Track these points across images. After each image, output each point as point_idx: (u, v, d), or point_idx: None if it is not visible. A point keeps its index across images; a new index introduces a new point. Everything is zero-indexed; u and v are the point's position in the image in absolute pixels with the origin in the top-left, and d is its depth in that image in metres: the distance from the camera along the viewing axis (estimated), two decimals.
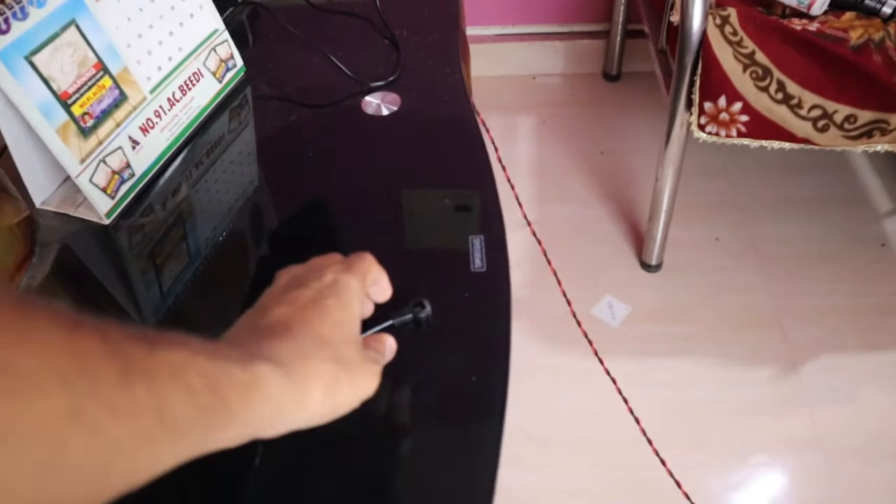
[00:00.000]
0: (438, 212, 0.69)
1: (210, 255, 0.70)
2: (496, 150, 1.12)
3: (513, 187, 1.11)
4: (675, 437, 1.22)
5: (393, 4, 0.95)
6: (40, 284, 0.67)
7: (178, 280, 0.67)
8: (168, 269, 0.68)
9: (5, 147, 0.66)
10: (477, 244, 0.65)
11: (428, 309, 0.48)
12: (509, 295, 0.62)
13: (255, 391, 0.33)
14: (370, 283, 0.45)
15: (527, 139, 1.75)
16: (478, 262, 0.63)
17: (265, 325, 0.39)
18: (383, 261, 0.65)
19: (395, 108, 0.79)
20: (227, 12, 0.93)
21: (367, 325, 0.46)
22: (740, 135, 1.18)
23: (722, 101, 1.15)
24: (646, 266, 1.48)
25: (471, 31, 1.78)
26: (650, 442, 0.99)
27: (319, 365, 0.37)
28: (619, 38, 1.79)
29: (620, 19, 1.75)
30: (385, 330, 0.48)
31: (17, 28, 0.60)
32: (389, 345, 0.47)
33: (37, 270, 0.68)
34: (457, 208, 0.69)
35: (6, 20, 0.59)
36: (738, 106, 1.14)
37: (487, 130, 1.25)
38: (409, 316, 0.48)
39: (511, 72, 1.88)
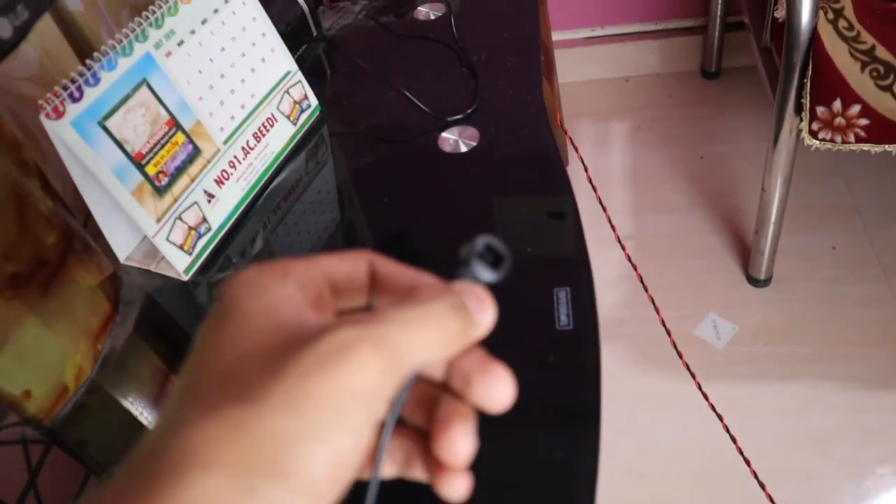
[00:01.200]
0: (520, 261, 0.64)
1: None
2: (586, 169, 1.06)
3: (605, 209, 1.05)
4: (789, 471, 1.12)
5: (470, 26, 0.91)
6: (124, 345, 0.67)
7: None
8: None
9: (90, 213, 0.67)
10: (563, 298, 0.60)
11: (506, 260, 0.28)
12: (599, 357, 0.56)
13: None
14: (337, 272, 0.27)
15: (621, 146, 1.67)
16: (563, 318, 0.59)
17: None
18: None
19: (474, 144, 0.75)
20: (301, 50, 0.91)
21: None
22: (859, 140, 1.07)
23: (837, 105, 1.04)
24: (753, 280, 1.37)
25: (558, 35, 1.71)
26: (761, 484, 0.91)
27: (184, 437, 0.20)
28: (717, 33, 1.68)
29: (718, 12, 1.63)
30: None
31: (90, 94, 0.60)
32: (475, 294, 0.26)
33: (120, 330, 0.68)
34: (540, 257, 0.64)
35: (79, 88, 0.59)
36: (856, 109, 1.03)
37: (576, 148, 1.19)
38: (490, 276, 0.28)
39: (603, 75, 1.80)
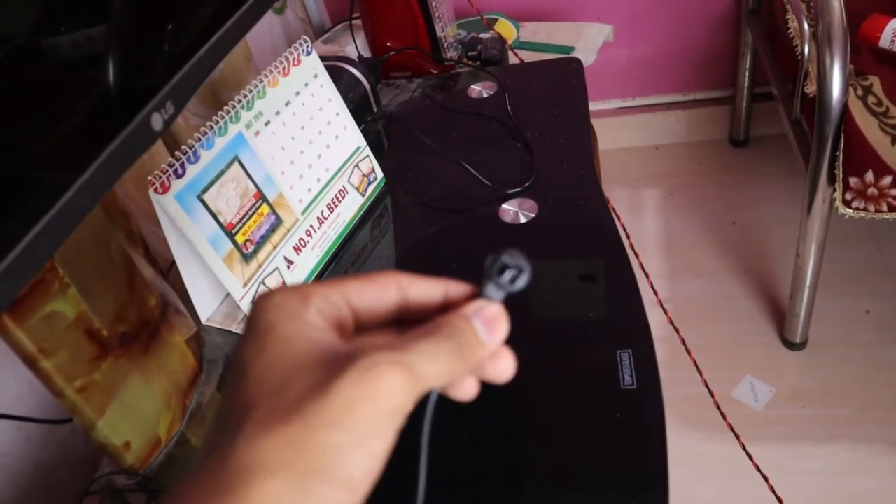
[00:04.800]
0: (583, 326, 0.69)
1: None
2: (628, 236, 1.11)
3: (647, 275, 1.09)
4: None
5: (521, 103, 0.98)
6: (209, 401, 0.71)
7: None
8: None
9: (173, 263, 0.72)
10: (626, 359, 0.64)
11: (526, 273, 0.31)
12: (663, 416, 0.60)
13: None
14: (366, 302, 0.30)
15: (654, 212, 1.72)
16: (627, 378, 0.63)
17: None
18: (523, 373, 0.65)
19: (533, 216, 0.80)
20: (363, 125, 0.98)
21: None
22: (892, 209, 1.11)
23: (869, 176, 1.09)
24: (789, 344, 1.40)
25: (592, 105, 1.79)
26: None
27: (245, 450, 0.24)
28: (745, 104, 1.74)
29: (746, 84, 1.70)
30: None
31: (191, 171, 0.66)
32: (484, 316, 0.30)
33: (205, 387, 0.73)
34: (601, 322, 0.68)
35: (182, 165, 0.65)
36: (888, 180, 1.08)
37: (618, 217, 1.24)
38: (503, 294, 0.31)
39: (634, 143, 1.87)
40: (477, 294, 0.31)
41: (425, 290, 0.31)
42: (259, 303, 0.28)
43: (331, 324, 0.28)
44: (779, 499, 0.98)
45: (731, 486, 1.21)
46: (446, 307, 0.30)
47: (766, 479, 0.99)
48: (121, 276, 0.61)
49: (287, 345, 0.26)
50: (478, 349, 0.29)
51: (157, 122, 0.44)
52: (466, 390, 0.30)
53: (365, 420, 0.25)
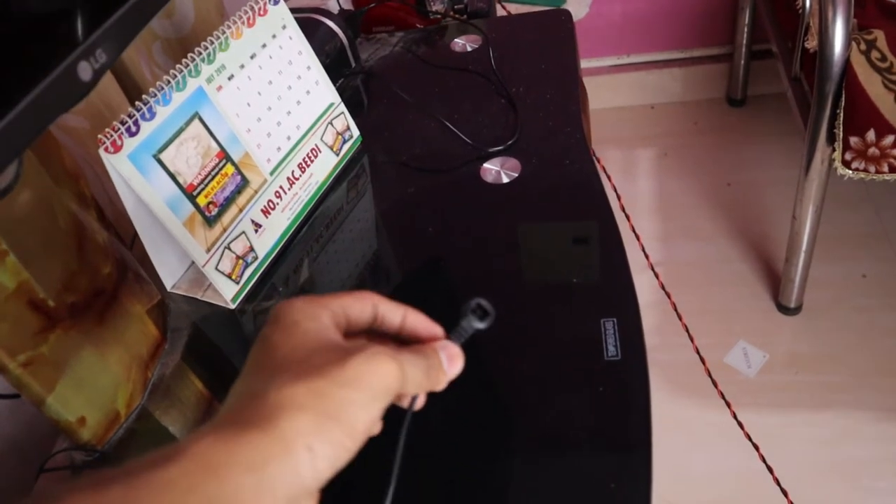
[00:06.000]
0: (566, 292, 0.65)
1: None
2: (619, 197, 1.07)
3: (638, 237, 1.05)
4: (823, 502, 1.11)
5: (507, 58, 0.93)
6: (172, 372, 0.68)
7: None
8: None
9: (136, 235, 0.68)
10: (610, 328, 0.60)
11: (491, 315, 0.39)
12: (648, 388, 0.57)
13: (199, 475, 0.27)
14: (358, 315, 0.37)
15: (647, 173, 1.68)
16: (611, 348, 0.59)
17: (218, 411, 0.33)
18: (505, 342, 0.62)
19: (516, 175, 0.76)
20: (340, 81, 0.93)
21: None
22: (893, 170, 1.07)
23: (871, 135, 1.04)
24: (783, 308, 1.37)
25: (585, 63, 1.73)
26: None
27: (276, 393, 0.30)
28: (743, 61, 1.69)
29: (744, 41, 1.65)
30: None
31: (146, 128, 0.62)
32: (448, 353, 0.38)
33: (169, 358, 0.69)
34: (587, 288, 0.64)
35: (136, 122, 0.61)
36: (890, 139, 1.04)
37: (609, 177, 1.19)
38: (471, 331, 0.39)
39: (628, 102, 1.82)
40: (453, 327, 0.39)
41: (390, 309, 0.39)
42: (286, 305, 0.36)
43: (337, 328, 0.36)
44: (769, 468, 0.96)
45: (722, 453, 1.19)
46: (404, 326, 0.39)
47: (756, 447, 0.96)
48: (69, 243, 0.57)
49: (309, 336, 0.34)
50: (440, 374, 0.37)
51: (85, 71, 0.40)
52: (420, 402, 0.38)
53: (369, 387, 0.32)
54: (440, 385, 0.37)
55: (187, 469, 0.27)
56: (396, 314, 0.39)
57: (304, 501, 0.30)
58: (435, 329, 0.39)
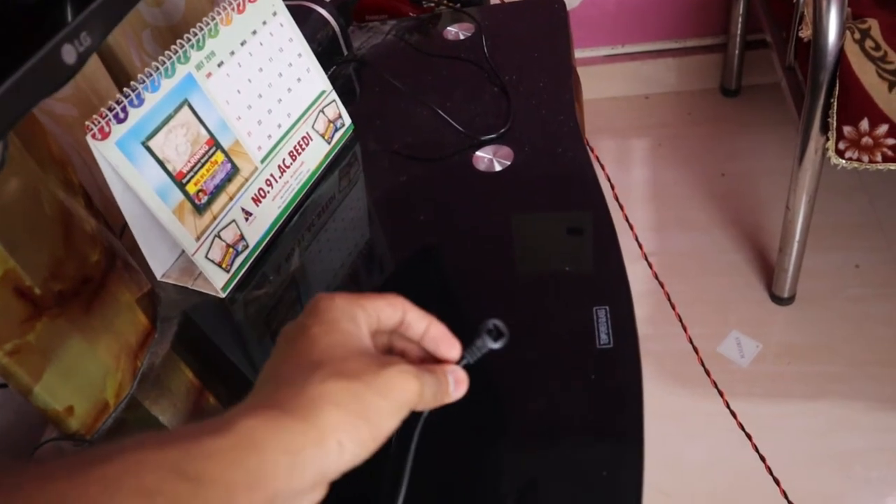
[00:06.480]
0: (558, 280, 0.64)
1: None
2: (612, 187, 1.06)
3: (632, 227, 1.05)
4: (815, 492, 1.11)
5: (499, 46, 0.92)
6: (161, 361, 0.67)
7: None
8: None
9: (126, 225, 0.67)
10: (602, 316, 0.60)
11: (505, 335, 0.41)
12: (640, 376, 0.56)
13: (243, 450, 0.31)
14: (387, 320, 0.40)
15: (642, 163, 1.67)
16: (604, 336, 0.59)
17: (256, 387, 0.36)
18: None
19: (508, 164, 0.75)
20: (332, 69, 0.92)
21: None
22: (887, 159, 1.06)
23: (864, 125, 1.04)
24: (777, 298, 1.37)
25: (579, 53, 1.72)
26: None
27: (318, 387, 0.33)
28: (737, 51, 1.68)
29: (739, 31, 1.64)
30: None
31: (134, 115, 0.61)
32: (456, 376, 0.41)
33: (159, 347, 0.68)
34: (578, 277, 0.64)
35: (124, 108, 0.60)
36: (883, 129, 1.04)
37: (602, 166, 1.19)
38: (485, 350, 0.42)
39: (623, 92, 1.81)
40: (465, 345, 0.42)
41: (417, 318, 0.41)
42: (326, 300, 0.38)
43: (369, 330, 0.39)
44: (762, 458, 0.96)
45: (715, 443, 1.19)
46: (426, 336, 0.41)
47: (749, 437, 0.97)
48: (55, 230, 0.57)
49: (346, 336, 0.37)
50: (446, 395, 0.40)
51: (69, 54, 0.39)
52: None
53: (396, 399, 0.35)
54: (443, 403, 0.40)
55: (234, 443, 0.31)
56: (421, 323, 0.41)
57: (320, 488, 0.33)
58: (454, 346, 0.41)
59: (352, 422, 0.33)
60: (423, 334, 0.41)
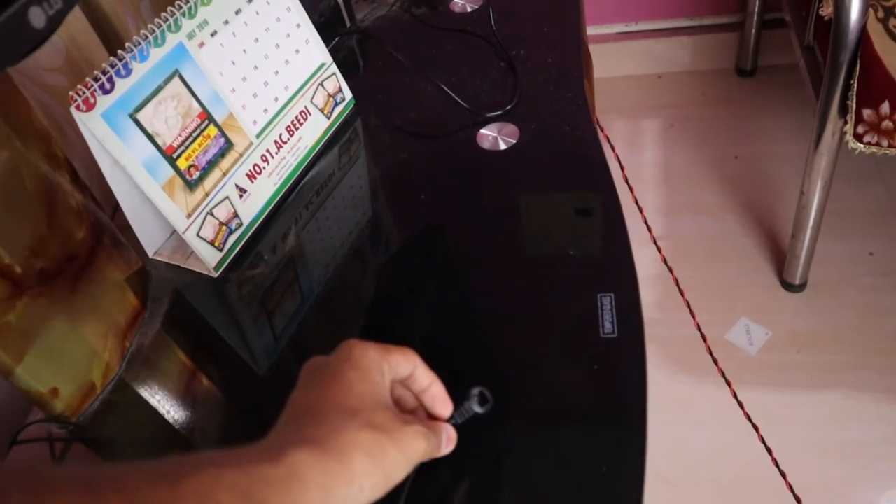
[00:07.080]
0: (562, 265, 0.62)
1: (323, 293, 0.66)
2: (622, 168, 1.04)
3: (641, 210, 1.02)
4: (821, 483, 1.09)
5: (508, 20, 0.89)
6: (151, 342, 0.65)
7: (291, 322, 0.64)
8: (280, 312, 0.65)
9: (118, 205, 0.65)
10: (606, 304, 0.57)
11: (490, 402, 0.46)
12: (644, 367, 0.54)
13: (293, 481, 0.35)
14: (402, 373, 0.45)
15: (653, 144, 1.64)
16: (608, 325, 0.56)
17: (291, 415, 0.40)
18: (500, 320, 0.59)
19: (514, 142, 0.72)
20: (334, 41, 0.89)
21: None
22: None
23: (885, 108, 1.00)
24: (788, 285, 1.34)
25: (591, 30, 1.68)
26: (797, 498, 0.88)
27: (354, 434, 0.38)
28: (754, 30, 1.63)
29: (756, 9, 1.59)
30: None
31: (121, 85, 0.58)
32: (448, 434, 0.46)
33: (148, 327, 0.66)
34: (583, 261, 0.61)
35: (110, 79, 0.57)
36: None
37: (613, 147, 1.16)
38: (471, 414, 0.47)
39: (635, 71, 1.77)
40: (455, 405, 0.47)
41: (423, 374, 0.45)
42: (361, 348, 0.43)
43: (390, 382, 0.43)
44: (768, 449, 0.94)
45: (721, 432, 1.17)
46: (426, 392, 0.46)
47: (756, 428, 0.94)
48: (37, 206, 0.54)
49: (376, 387, 0.42)
50: (439, 451, 0.44)
51: (37, 17, 0.36)
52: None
53: (409, 455, 0.40)
54: (437, 455, 0.45)
55: (286, 474, 0.35)
56: (426, 380, 0.45)
57: None
58: (449, 406, 0.47)
59: (375, 471, 0.38)
60: (425, 390, 0.46)
